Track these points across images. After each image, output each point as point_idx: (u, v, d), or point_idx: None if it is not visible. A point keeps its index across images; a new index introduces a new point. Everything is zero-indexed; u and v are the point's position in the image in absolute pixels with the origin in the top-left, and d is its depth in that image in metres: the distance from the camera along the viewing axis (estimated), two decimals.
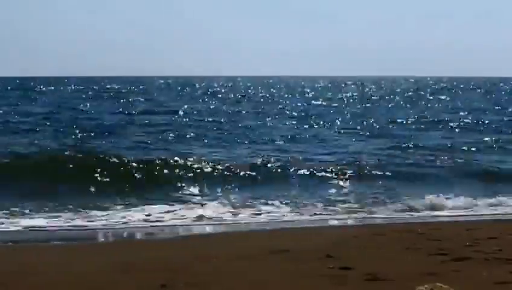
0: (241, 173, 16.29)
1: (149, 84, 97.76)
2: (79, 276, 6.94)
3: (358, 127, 29.25)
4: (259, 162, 17.55)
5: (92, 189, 14.56)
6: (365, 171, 16.83)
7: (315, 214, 12.38)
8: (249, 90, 76.44)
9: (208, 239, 9.92)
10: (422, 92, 71.32)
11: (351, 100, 55.30)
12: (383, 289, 6.20)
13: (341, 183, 15.62)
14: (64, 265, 7.61)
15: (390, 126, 30.21)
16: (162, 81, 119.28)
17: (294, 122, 31.54)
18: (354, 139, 24.79)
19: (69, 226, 11.08)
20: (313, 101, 52.06)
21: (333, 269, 6.93)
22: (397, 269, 6.88)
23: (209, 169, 16.52)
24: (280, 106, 44.82)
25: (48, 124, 28.32)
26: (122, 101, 48.38)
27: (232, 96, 60.51)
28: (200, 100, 52.24)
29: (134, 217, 11.64)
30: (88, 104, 42.81)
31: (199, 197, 14.00)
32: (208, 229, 11.20)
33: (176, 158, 17.12)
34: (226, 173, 16.35)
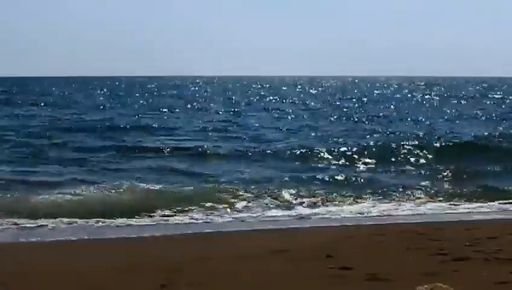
0: None
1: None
2: (79, 276, 6.94)
3: None
4: None
5: None
6: None
7: None
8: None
9: (208, 239, 9.90)
10: None
11: None
12: (383, 289, 6.21)
13: None
14: (65, 265, 7.61)
15: None
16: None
17: None
18: None
19: None
20: None
21: (333, 269, 6.94)
22: (397, 269, 6.88)
23: None
24: None
25: None
26: None
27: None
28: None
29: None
30: None
31: None
32: (208, 228, 11.16)
33: None
34: None
